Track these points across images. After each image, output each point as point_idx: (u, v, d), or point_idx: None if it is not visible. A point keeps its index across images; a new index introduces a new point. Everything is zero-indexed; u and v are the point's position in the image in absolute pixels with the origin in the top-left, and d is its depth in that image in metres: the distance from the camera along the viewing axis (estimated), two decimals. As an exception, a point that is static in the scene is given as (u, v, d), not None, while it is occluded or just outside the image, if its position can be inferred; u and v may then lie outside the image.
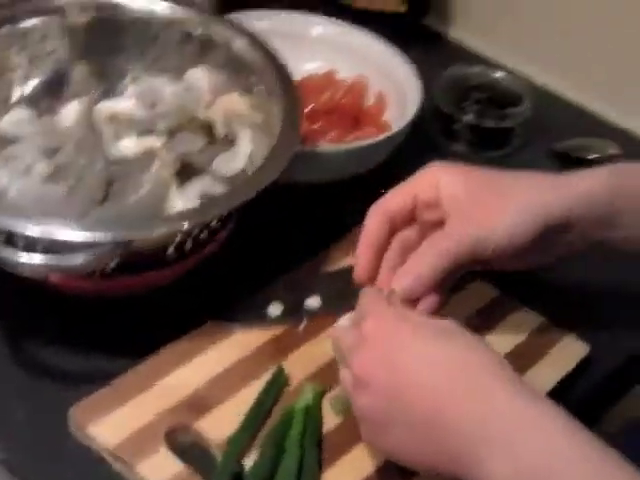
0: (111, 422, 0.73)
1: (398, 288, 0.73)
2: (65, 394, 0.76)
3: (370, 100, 1.09)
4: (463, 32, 1.29)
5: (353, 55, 1.11)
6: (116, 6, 0.91)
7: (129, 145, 0.88)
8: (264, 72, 0.87)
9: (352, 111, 1.07)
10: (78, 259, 0.70)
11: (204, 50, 0.91)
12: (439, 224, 0.76)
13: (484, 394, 0.63)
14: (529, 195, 0.74)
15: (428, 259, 0.73)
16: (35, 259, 0.70)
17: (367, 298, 0.72)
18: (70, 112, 0.89)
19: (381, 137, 0.98)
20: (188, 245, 0.77)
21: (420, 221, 0.78)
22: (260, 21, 1.06)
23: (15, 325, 0.81)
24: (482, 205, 0.73)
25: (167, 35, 0.92)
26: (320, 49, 1.11)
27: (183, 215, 0.76)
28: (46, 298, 0.81)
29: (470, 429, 0.62)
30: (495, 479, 0.61)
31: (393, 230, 0.78)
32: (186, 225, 0.73)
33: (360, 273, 0.77)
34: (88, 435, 0.72)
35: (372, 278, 0.77)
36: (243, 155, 0.86)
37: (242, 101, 0.88)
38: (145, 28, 0.91)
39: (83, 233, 0.70)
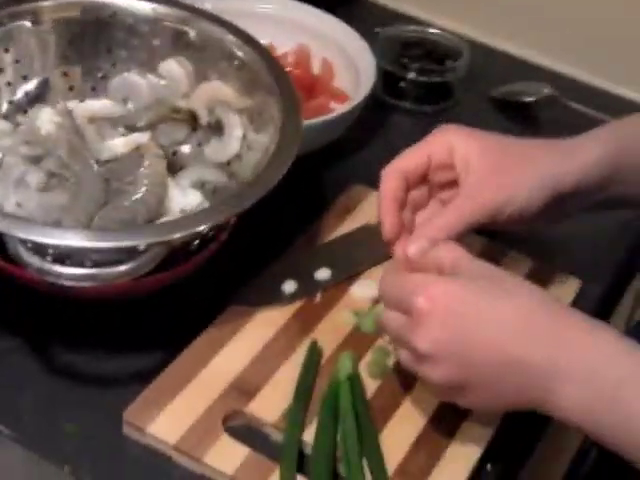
0: (166, 419, 0.74)
1: (418, 249, 0.75)
2: (109, 398, 0.77)
3: (316, 69, 1.11)
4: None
5: (289, 27, 1.13)
6: (85, 5, 0.90)
7: (117, 144, 0.87)
8: (249, 59, 0.89)
9: (303, 81, 1.08)
10: (123, 267, 0.70)
11: (179, 41, 0.91)
12: (449, 185, 0.80)
13: (552, 330, 0.67)
14: (542, 166, 0.78)
15: (449, 220, 0.77)
16: (81, 271, 0.70)
17: (399, 280, 0.73)
18: (45, 118, 0.87)
19: (349, 107, 1.01)
20: (210, 235, 0.79)
21: (431, 182, 0.81)
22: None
23: (43, 336, 0.81)
24: (498, 172, 0.77)
25: (143, 30, 0.91)
26: (255, 25, 1.11)
27: (215, 210, 0.77)
28: (67, 304, 0.81)
29: (545, 362, 0.66)
30: (570, 404, 0.66)
31: (407, 189, 0.80)
32: (222, 219, 0.74)
33: (388, 231, 0.79)
34: (148, 435, 0.74)
35: (399, 235, 0.79)
36: (236, 140, 0.87)
37: (225, 88, 0.89)
38: (118, 25, 0.91)
39: (126, 240, 0.70)
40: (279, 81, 0.86)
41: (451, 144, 0.79)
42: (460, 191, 0.78)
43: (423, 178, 0.81)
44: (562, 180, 0.78)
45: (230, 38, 0.90)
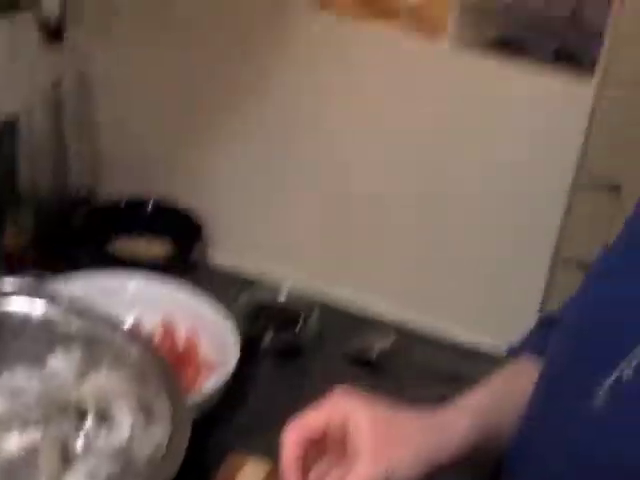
0: None
1: None
2: None
3: (181, 341, 1.19)
4: (224, 258, 1.44)
5: (153, 304, 1.21)
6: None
7: (11, 443, 0.91)
8: (136, 354, 0.95)
9: (170, 356, 1.15)
10: None
11: (67, 337, 0.98)
12: (343, 448, 0.87)
13: None
14: (419, 444, 0.86)
15: None
16: None
17: None
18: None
19: (219, 381, 1.09)
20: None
21: (327, 443, 0.87)
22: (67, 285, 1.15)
23: None
24: (384, 445, 0.84)
25: (32, 328, 0.97)
26: (121, 303, 1.18)
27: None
28: None
29: None
30: None
31: (306, 452, 0.86)
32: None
33: None
34: None
35: None
36: (125, 428, 0.93)
37: (113, 379, 0.95)
38: (7, 325, 0.97)
39: None
40: (166, 375, 0.93)
41: (346, 410, 0.85)
42: (355, 461, 0.84)
43: (321, 441, 0.86)
44: (436, 456, 0.86)
45: (118, 334, 0.97)
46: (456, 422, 0.89)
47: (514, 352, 0.99)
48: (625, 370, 0.71)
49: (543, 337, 0.94)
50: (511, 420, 0.89)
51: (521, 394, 0.90)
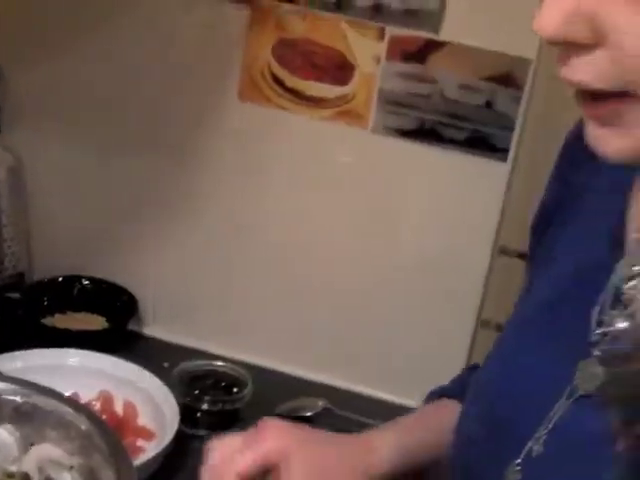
0: None
1: None
2: None
3: (120, 410, 1.23)
4: (159, 330, 1.48)
5: (92, 376, 1.25)
6: None
7: (-44, 515, 0.94)
8: (80, 425, 0.99)
9: (110, 425, 1.19)
10: None
11: (7, 411, 1.00)
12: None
13: None
14: (354, 463, 0.91)
15: None
16: None
17: None
18: None
19: (159, 447, 1.13)
20: None
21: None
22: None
23: None
24: (319, 475, 0.89)
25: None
26: (61, 377, 1.21)
27: None
28: None
29: None
30: None
31: None
32: None
33: None
34: None
35: None
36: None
37: (55, 449, 0.99)
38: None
39: None
40: (112, 444, 0.96)
41: (280, 453, 0.88)
42: None
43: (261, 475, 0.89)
44: (370, 471, 0.91)
45: (62, 405, 1.00)
46: (381, 437, 0.94)
47: (436, 395, 1.03)
48: (534, 446, 0.73)
49: (465, 383, 0.98)
50: (439, 438, 0.93)
51: (444, 420, 0.93)
